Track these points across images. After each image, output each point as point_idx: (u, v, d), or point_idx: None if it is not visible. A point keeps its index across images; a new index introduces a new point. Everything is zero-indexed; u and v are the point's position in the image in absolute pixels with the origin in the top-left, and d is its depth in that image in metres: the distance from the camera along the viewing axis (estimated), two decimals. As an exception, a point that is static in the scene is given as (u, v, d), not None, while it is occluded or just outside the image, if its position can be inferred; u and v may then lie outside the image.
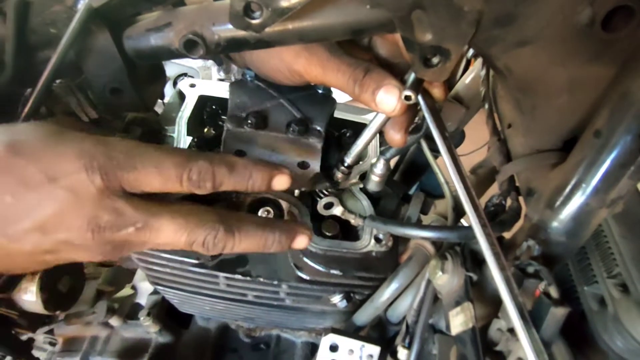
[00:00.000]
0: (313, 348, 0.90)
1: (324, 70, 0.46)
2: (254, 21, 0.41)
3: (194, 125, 0.70)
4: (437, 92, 0.48)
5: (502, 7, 0.37)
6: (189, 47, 0.47)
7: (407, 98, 0.43)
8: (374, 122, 0.51)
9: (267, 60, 0.51)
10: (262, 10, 0.40)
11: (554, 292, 0.37)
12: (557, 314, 0.36)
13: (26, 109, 0.52)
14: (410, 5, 0.38)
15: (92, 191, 0.35)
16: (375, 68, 0.46)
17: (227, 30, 0.46)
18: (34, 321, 0.81)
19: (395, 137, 0.51)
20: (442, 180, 0.63)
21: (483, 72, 0.62)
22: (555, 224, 0.42)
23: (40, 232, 0.36)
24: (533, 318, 0.38)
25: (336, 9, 0.42)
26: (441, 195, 0.68)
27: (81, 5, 0.42)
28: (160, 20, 0.48)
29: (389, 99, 0.44)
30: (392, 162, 0.66)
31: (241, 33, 0.45)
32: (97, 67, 0.50)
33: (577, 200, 0.40)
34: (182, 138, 0.66)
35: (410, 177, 0.85)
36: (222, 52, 0.49)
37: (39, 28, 0.47)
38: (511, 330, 0.42)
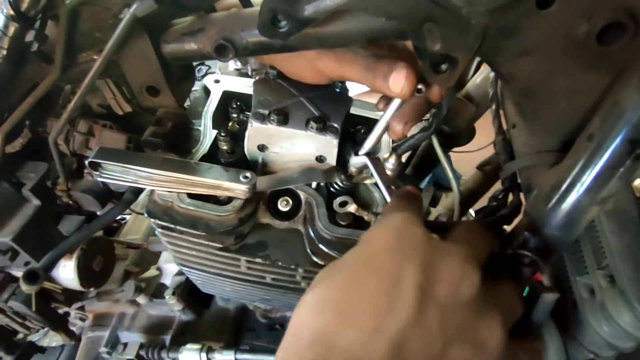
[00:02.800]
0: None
1: (340, 65, 0.50)
2: (280, 30, 0.45)
3: (218, 119, 0.75)
4: (434, 91, 0.50)
5: (506, 21, 0.41)
6: (220, 51, 0.52)
7: (418, 90, 0.48)
8: (384, 117, 0.55)
9: (292, 61, 0.55)
10: (287, 21, 0.44)
11: (545, 279, 0.42)
12: (548, 299, 0.40)
13: (72, 104, 0.58)
14: (422, 19, 0.42)
15: None
16: (387, 56, 0.48)
17: (254, 35, 0.51)
18: (70, 297, 0.89)
19: (397, 127, 0.55)
20: (450, 175, 0.67)
21: (492, 74, 0.66)
22: (551, 219, 0.46)
23: None
24: (526, 302, 0.42)
25: (354, 20, 0.46)
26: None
27: (126, 14, 0.47)
28: (194, 26, 0.53)
29: (399, 78, 0.46)
30: (404, 157, 0.70)
31: (267, 39, 0.49)
32: (136, 68, 0.55)
33: (571, 198, 0.44)
34: (208, 132, 0.71)
35: (421, 171, 0.89)
36: (250, 55, 0.54)
37: (86, 32, 0.52)
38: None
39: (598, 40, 0.40)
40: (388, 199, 0.55)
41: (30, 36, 0.50)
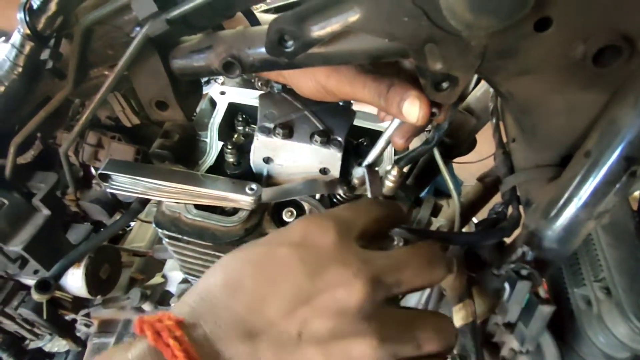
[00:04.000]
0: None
1: (352, 88, 0.52)
2: (287, 50, 0.47)
3: (224, 131, 0.76)
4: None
5: (505, 42, 0.42)
6: (228, 68, 0.53)
7: (433, 114, 0.49)
8: (387, 132, 0.57)
9: (303, 82, 0.57)
10: (294, 41, 0.46)
11: (542, 292, 0.43)
12: (544, 311, 0.42)
13: (84, 117, 0.59)
14: (424, 40, 0.43)
15: None
16: (398, 81, 0.49)
17: (260, 53, 0.53)
18: (78, 304, 0.90)
19: (398, 142, 0.57)
20: (451, 187, 0.68)
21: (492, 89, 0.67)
22: (549, 232, 0.47)
23: None
24: (524, 314, 0.44)
25: (357, 39, 0.48)
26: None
27: (137, 33, 0.49)
28: (203, 43, 0.55)
29: (413, 109, 0.47)
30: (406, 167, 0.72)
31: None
32: (145, 83, 0.57)
33: (569, 212, 0.46)
34: (214, 143, 0.73)
35: (423, 181, 0.90)
36: (256, 72, 0.55)
37: (99, 49, 0.54)
38: (506, 325, 0.48)
39: (594, 61, 0.42)
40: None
41: (45, 54, 0.51)
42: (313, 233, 0.39)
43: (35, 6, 0.48)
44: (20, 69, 0.52)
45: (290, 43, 0.46)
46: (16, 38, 0.51)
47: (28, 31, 0.49)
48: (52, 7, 0.48)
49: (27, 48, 0.51)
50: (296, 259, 0.37)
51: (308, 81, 0.55)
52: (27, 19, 0.48)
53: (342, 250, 0.38)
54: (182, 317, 0.34)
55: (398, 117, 0.51)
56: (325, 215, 0.42)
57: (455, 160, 0.86)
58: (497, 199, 0.64)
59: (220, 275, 0.37)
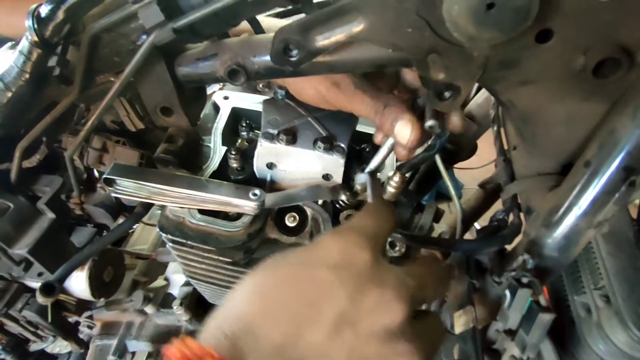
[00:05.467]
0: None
1: (350, 102, 0.53)
2: (292, 59, 0.47)
3: (227, 136, 0.77)
4: (456, 120, 0.53)
5: (506, 53, 0.43)
6: (233, 75, 0.54)
7: (431, 127, 0.50)
8: (389, 141, 0.58)
9: (305, 91, 0.58)
10: (299, 51, 0.47)
11: (542, 300, 0.43)
12: (544, 319, 0.42)
13: (90, 123, 0.60)
14: (426, 51, 0.44)
15: None
16: (394, 102, 0.51)
17: (265, 61, 0.53)
18: (81, 306, 0.91)
19: (402, 153, 0.58)
20: (453, 193, 0.69)
21: (494, 95, 0.68)
22: (549, 240, 0.48)
23: None
24: (525, 322, 0.44)
25: (361, 49, 0.49)
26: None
27: (144, 41, 0.50)
28: (208, 51, 0.55)
29: (404, 131, 0.50)
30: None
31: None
32: (151, 89, 0.58)
33: (569, 221, 0.46)
34: (218, 148, 0.73)
35: (424, 186, 0.91)
36: (260, 79, 0.56)
37: (105, 56, 0.55)
38: (507, 332, 0.48)
39: (594, 72, 0.42)
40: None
41: (52, 61, 0.52)
42: (351, 253, 0.39)
43: (43, 14, 0.49)
44: (27, 75, 0.53)
45: (295, 52, 0.47)
46: (24, 45, 0.51)
47: (36, 38, 0.50)
48: (60, 15, 0.49)
49: (35, 55, 0.51)
50: (337, 282, 0.36)
51: (310, 89, 0.56)
52: (36, 26, 0.49)
53: (378, 269, 0.38)
54: (223, 355, 0.32)
55: (390, 135, 0.52)
56: (357, 231, 0.42)
57: (456, 165, 0.87)
58: (498, 204, 0.65)
59: (257, 299, 0.36)
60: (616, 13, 0.39)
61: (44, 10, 0.49)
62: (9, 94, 0.53)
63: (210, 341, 0.33)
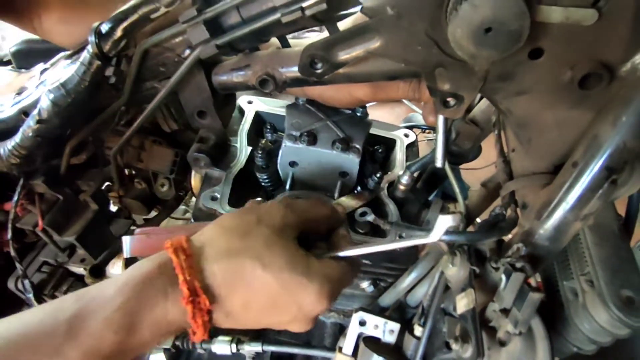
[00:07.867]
0: (341, 328, 1.04)
1: (388, 93, 0.63)
2: (317, 71, 0.55)
3: (251, 136, 0.85)
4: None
5: (504, 68, 0.50)
6: (263, 84, 0.62)
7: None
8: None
9: (337, 97, 0.68)
10: (323, 64, 0.54)
11: (533, 282, 0.50)
12: (534, 297, 0.49)
13: (136, 124, 0.68)
14: (434, 65, 0.51)
15: None
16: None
17: (292, 72, 0.61)
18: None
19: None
20: (457, 190, 0.75)
21: (496, 102, 0.74)
22: (541, 231, 0.54)
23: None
24: (517, 301, 0.51)
25: (377, 63, 0.56)
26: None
27: (189, 55, 0.57)
28: (241, 62, 0.63)
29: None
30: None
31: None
32: (191, 96, 0.65)
33: (558, 214, 0.52)
34: (244, 148, 0.81)
35: (431, 185, 0.97)
36: (287, 87, 0.64)
37: (153, 67, 0.63)
38: (502, 310, 0.55)
39: (580, 85, 0.48)
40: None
41: (109, 72, 0.60)
42: (271, 213, 0.53)
43: (104, 31, 0.57)
44: (86, 83, 0.61)
45: (319, 65, 0.54)
46: (85, 57, 0.59)
47: (96, 51, 0.58)
48: (118, 32, 0.57)
49: (94, 66, 0.59)
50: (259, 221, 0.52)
51: (343, 96, 0.65)
52: (97, 41, 0.57)
53: (283, 220, 0.52)
54: (191, 251, 0.48)
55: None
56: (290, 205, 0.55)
57: (462, 166, 0.93)
58: (497, 202, 0.71)
59: (217, 228, 0.52)
60: (598, 35, 0.46)
61: (105, 27, 0.57)
62: (69, 100, 0.61)
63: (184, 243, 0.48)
